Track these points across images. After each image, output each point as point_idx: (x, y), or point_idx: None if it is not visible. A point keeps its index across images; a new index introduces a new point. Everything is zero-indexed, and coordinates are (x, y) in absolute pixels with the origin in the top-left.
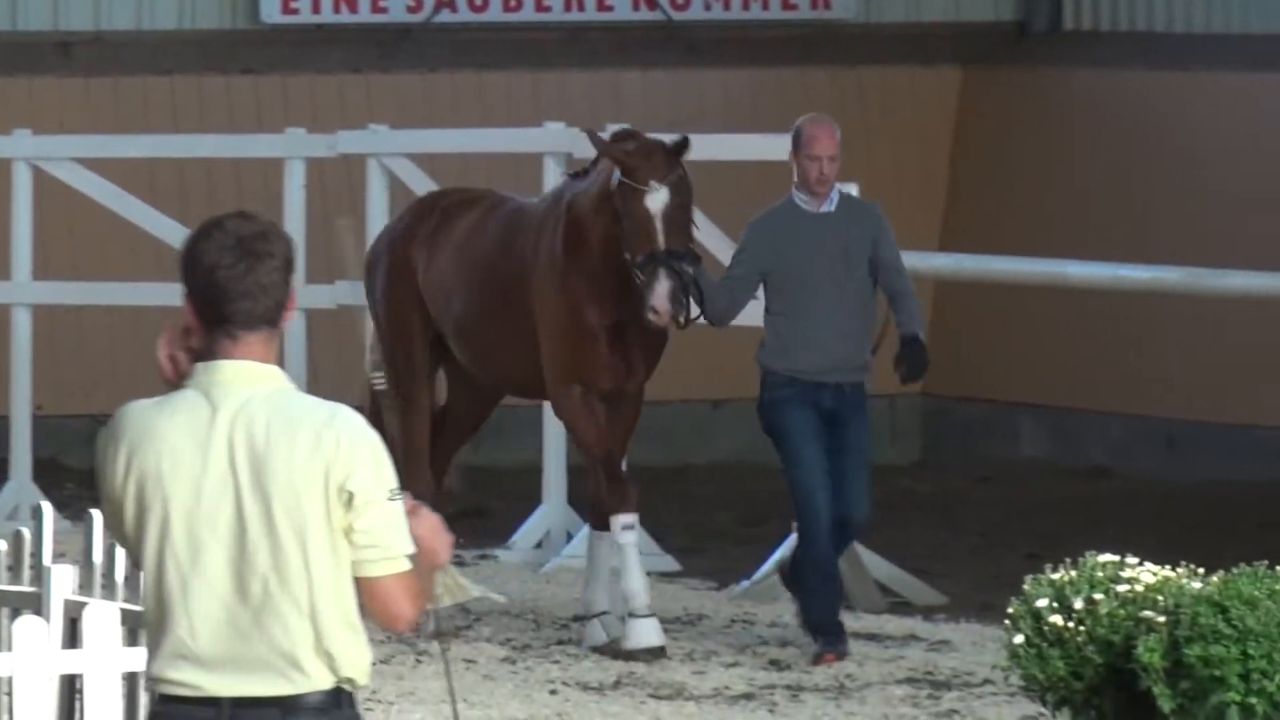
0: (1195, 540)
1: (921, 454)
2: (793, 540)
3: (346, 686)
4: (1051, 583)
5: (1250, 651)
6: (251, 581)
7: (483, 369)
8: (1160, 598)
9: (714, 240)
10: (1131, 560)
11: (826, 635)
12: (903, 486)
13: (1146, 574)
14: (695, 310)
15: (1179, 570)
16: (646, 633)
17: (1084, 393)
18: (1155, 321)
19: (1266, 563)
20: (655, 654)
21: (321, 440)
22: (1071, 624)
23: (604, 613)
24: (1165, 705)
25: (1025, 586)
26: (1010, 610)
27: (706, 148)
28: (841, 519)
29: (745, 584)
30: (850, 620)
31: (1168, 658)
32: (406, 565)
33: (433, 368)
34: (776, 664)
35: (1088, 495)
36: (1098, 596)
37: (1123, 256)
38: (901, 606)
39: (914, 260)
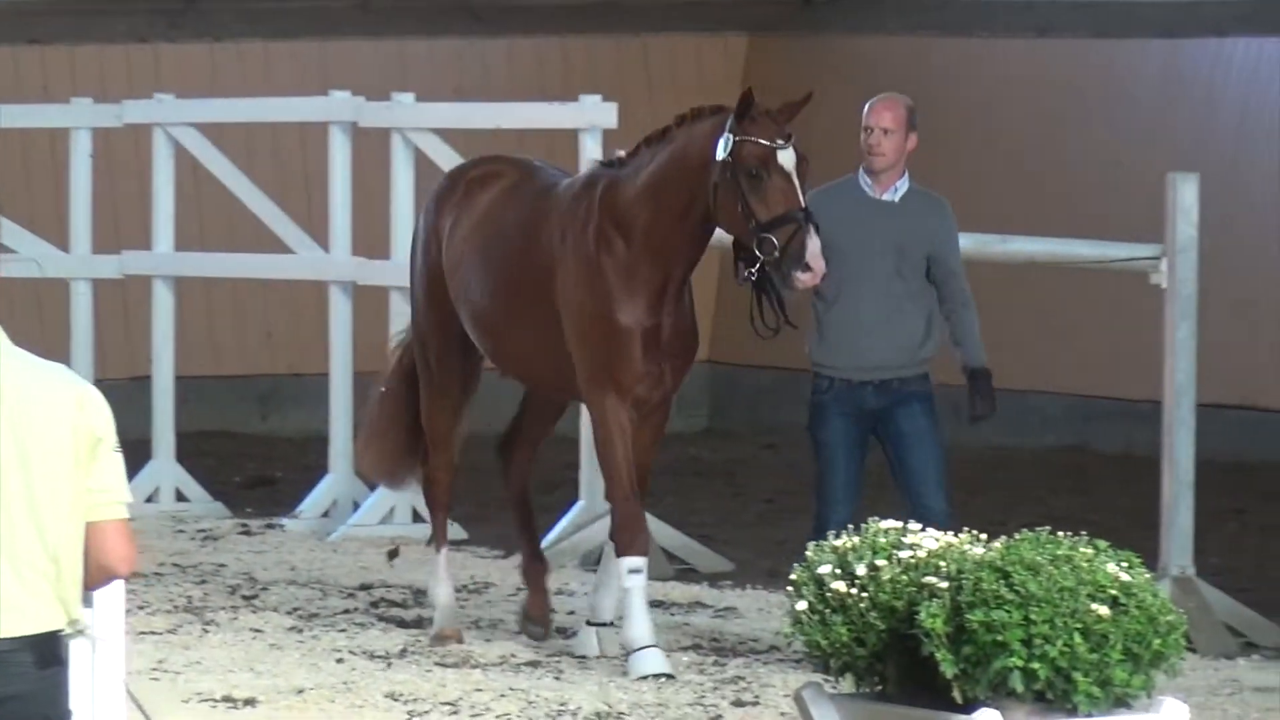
0: (980, 506)
1: (708, 421)
2: (580, 507)
3: (72, 628)
4: (834, 549)
5: (1032, 616)
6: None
7: (500, 361)
8: (942, 563)
9: None
10: (914, 526)
11: None
12: (689, 454)
13: (929, 540)
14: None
15: (961, 536)
16: (651, 662)
17: None
18: None
19: (1049, 528)
20: (661, 679)
21: (72, 391)
22: (854, 590)
23: (606, 624)
24: (948, 671)
25: (808, 553)
26: (793, 576)
27: (491, 116)
28: (917, 514)
29: None
30: None
31: (950, 623)
32: (127, 512)
33: (471, 355)
34: (562, 631)
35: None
36: (880, 563)
37: None
38: (688, 573)
39: None
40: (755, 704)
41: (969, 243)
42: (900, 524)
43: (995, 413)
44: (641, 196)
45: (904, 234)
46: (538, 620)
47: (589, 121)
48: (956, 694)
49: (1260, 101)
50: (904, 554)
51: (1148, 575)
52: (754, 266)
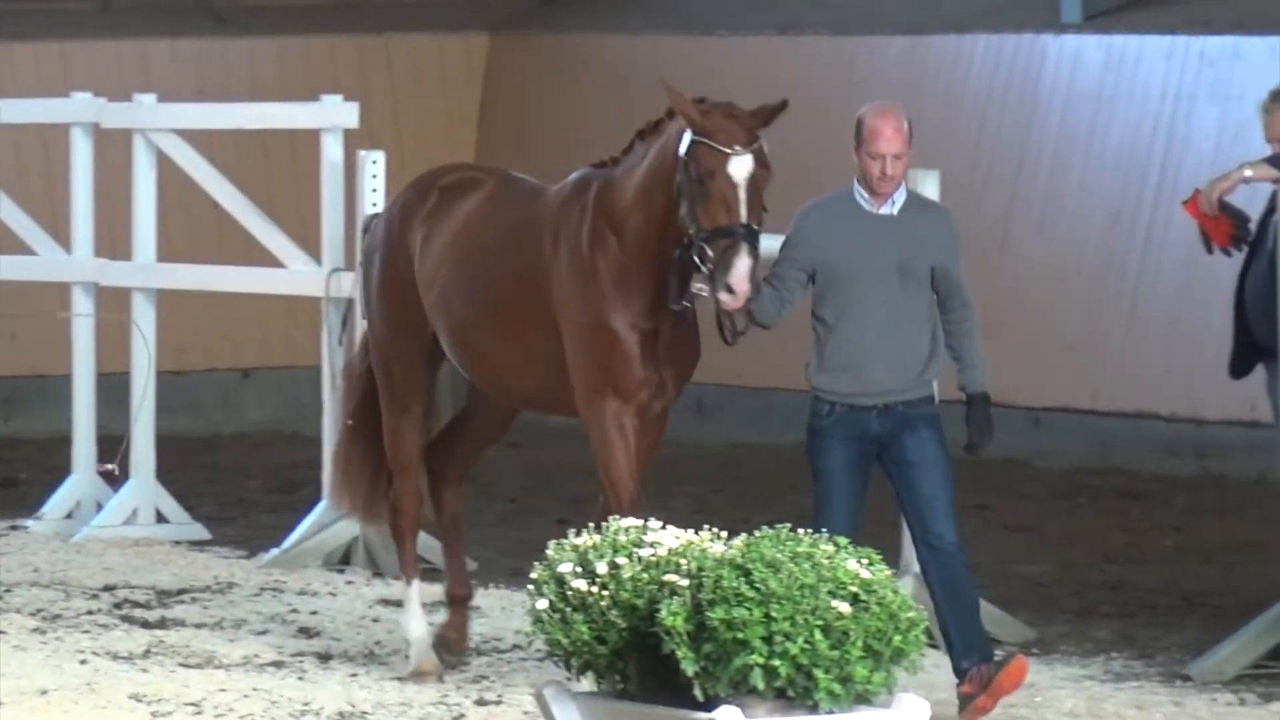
0: (721, 503)
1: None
2: (322, 506)
3: None
4: (575, 548)
5: (773, 614)
6: None
7: (483, 378)
8: (683, 561)
9: (244, 213)
10: (655, 524)
11: None
12: None
13: (669, 538)
14: (743, 320)
15: (702, 534)
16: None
17: None
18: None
19: (789, 525)
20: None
21: None
22: (595, 589)
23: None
24: (689, 668)
25: (549, 551)
26: (534, 575)
27: (233, 116)
28: (924, 539)
29: (275, 552)
30: (381, 587)
31: (690, 621)
32: None
33: (434, 369)
34: (306, 631)
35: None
36: (621, 561)
37: None
38: (431, 573)
39: None
40: (498, 703)
41: None
42: (642, 522)
43: (992, 439)
44: (634, 196)
45: (906, 249)
46: (453, 648)
47: (330, 121)
48: (697, 692)
49: (1001, 99)
50: (645, 552)
51: (888, 572)
52: (691, 286)
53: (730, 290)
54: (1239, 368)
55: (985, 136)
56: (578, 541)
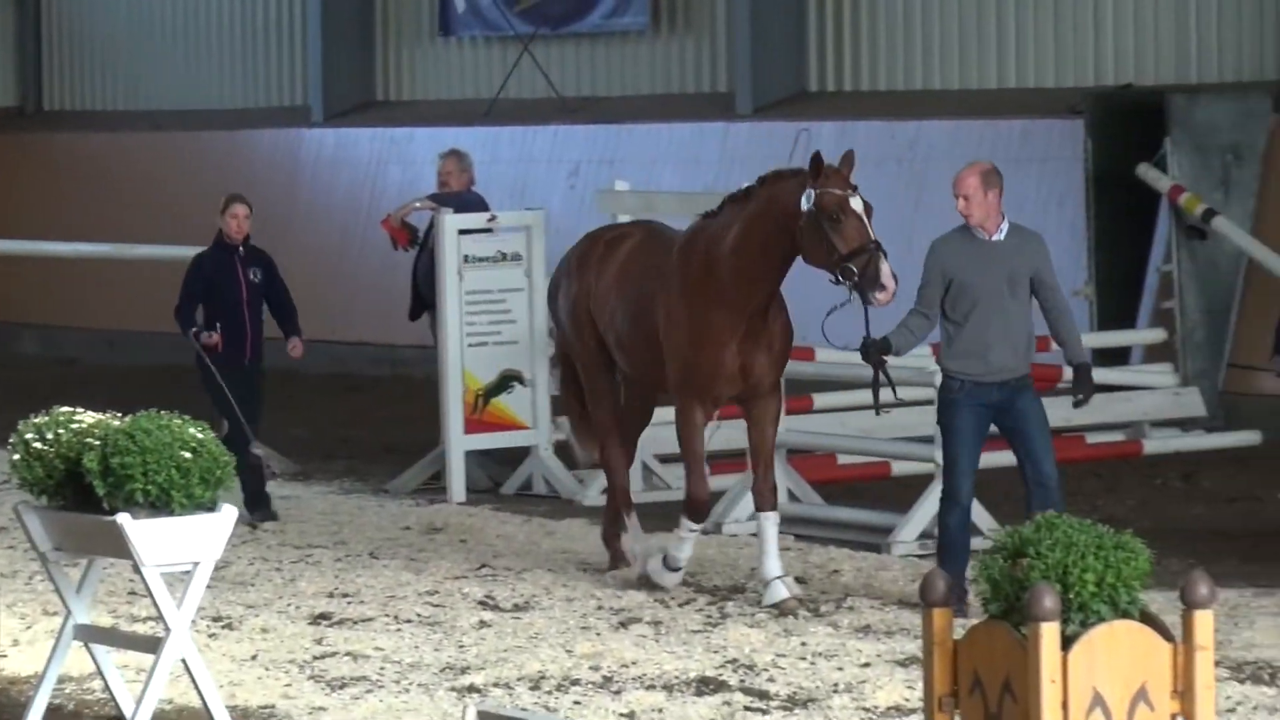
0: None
1: None
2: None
3: None
4: (35, 425)
5: (148, 460)
6: None
7: (634, 372)
8: (96, 430)
9: None
10: (81, 410)
11: (958, 596)
12: None
13: (89, 417)
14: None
15: (108, 414)
16: (779, 590)
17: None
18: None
19: (171, 410)
20: (792, 604)
21: None
22: (47, 447)
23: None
24: (100, 491)
25: (19, 426)
26: (11, 440)
27: None
28: (1035, 478)
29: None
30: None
31: (101, 464)
32: None
33: (612, 368)
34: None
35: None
36: (60, 431)
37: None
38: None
39: None
40: None
41: (107, 249)
42: (74, 410)
43: (1091, 398)
44: (735, 238)
45: (1012, 265)
46: (622, 560)
47: None
48: (105, 504)
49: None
50: (75, 425)
51: (213, 435)
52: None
53: (883, 287)
54: (414, 314)
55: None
56: (37, 420)
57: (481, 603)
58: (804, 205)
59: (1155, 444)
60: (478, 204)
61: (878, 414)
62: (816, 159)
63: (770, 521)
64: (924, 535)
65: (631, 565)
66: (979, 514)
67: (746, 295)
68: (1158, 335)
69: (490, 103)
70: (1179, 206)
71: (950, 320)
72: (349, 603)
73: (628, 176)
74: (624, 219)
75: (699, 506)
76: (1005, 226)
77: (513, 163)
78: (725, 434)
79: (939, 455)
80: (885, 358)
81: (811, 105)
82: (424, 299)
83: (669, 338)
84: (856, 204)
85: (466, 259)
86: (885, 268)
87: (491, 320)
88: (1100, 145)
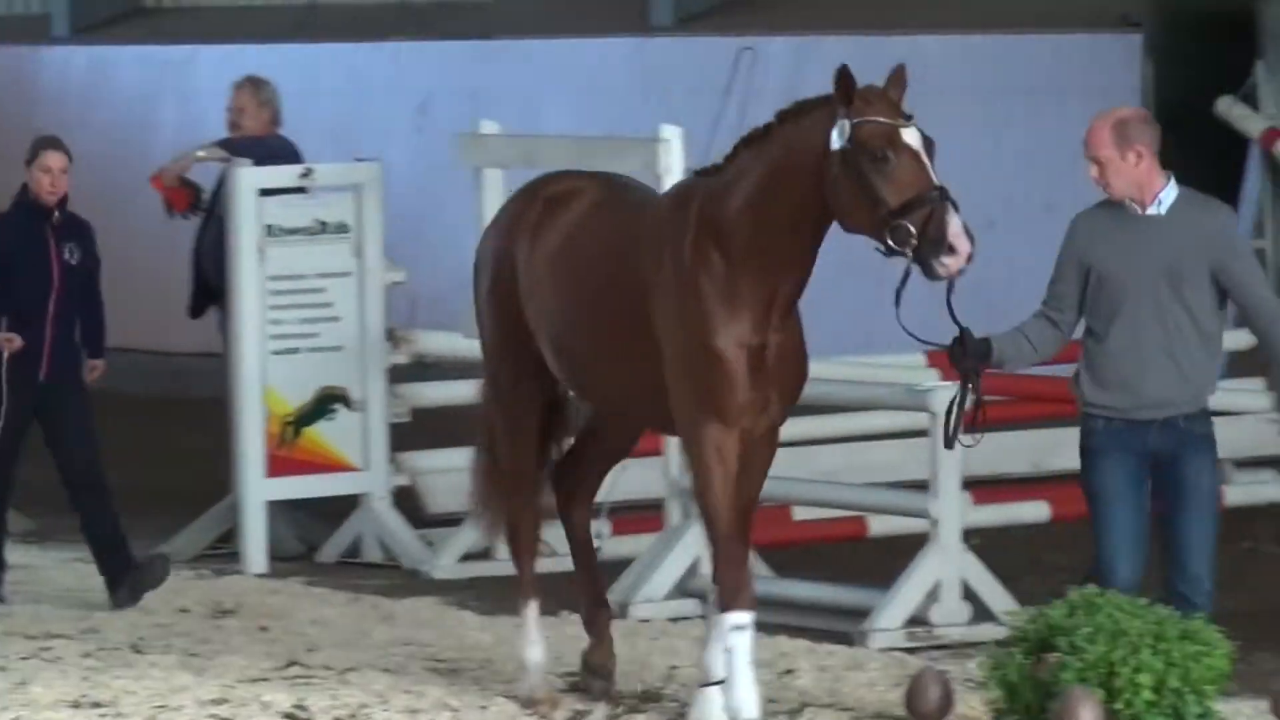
0: None
1: None
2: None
3: None
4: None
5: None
6: None
7: (584, 392)
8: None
9: None
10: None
11: None
12: None
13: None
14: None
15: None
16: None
17: None
18: None
19: None
20: None
21: None
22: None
23: (719, 682)
24: None
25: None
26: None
27: None
28: (1175, 579)
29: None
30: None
31: None
32: None
33: (547, 385)
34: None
35: None
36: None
37: None
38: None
39: None
40: None
41: None
42: None
43: None
44: (744, 206)
45: (1175, 250)
46: (600, 671)
47: None
48: None
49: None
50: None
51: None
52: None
53: (953, 250)
54: (196, 309)
55: None
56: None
57: (289, 716)
58: (835, 143)
59: (1241, 491)
60: (286, 153)
61: (949, 447)
62: (844, 76)
63: (737, 627)
64: (913, 621)
65: (530, 676)
66: (988, 589)
67: (762, 285)
68: (1246, 339)
69: (305, 10)
70: (1275, 156)
71: (1089, 332)
72: (102, 715)
73: (498, 114)
74: (493, 173)
75: (739, 584)
76: (1169, 195)
77: (337, 95)
78: (635, 476)
79: (934, 507)
80: (982, 367)
81: (758, 13)
82: (210, 287)
83: (672, 345)
84: (911, 137)
85: (271, 230)
86: (954, 222)
87: (305, 318)
88: (1165, 71)
